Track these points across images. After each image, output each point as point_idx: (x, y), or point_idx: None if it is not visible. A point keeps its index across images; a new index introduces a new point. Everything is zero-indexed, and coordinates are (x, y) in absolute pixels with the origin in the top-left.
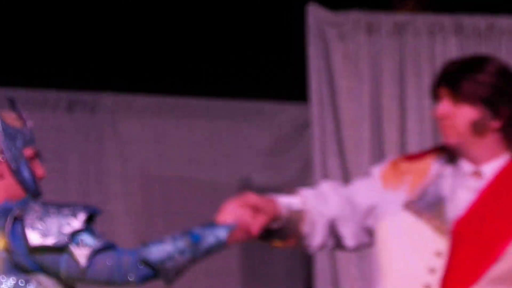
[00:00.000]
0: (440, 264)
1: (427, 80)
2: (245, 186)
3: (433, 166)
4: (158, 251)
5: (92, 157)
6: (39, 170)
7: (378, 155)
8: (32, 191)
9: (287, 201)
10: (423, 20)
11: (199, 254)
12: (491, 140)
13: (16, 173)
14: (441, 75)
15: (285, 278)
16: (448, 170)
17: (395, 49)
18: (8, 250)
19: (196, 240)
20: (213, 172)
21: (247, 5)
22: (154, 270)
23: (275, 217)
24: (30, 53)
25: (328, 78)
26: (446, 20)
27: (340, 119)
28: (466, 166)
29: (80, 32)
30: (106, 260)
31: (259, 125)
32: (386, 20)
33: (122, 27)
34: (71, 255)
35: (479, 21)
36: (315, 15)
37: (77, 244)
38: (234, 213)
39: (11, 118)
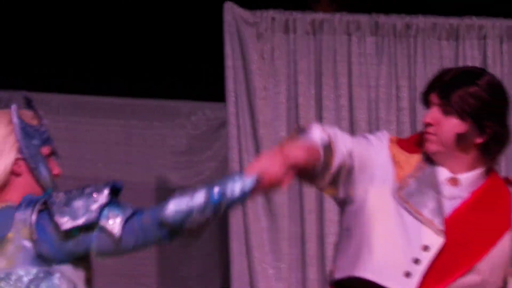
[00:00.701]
0: (426, 256)
1: (343, 80)
2: (161, 185)
3: (417, 158)
4: (177, 212)
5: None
6: (55, 168)
7: None
8: (49, 189)
9: (320, 141)
10: (339, 19)
11: (221, 210)
12: (471, 154)
13: (34, 171)
14: (434, 83)
15: (201, 278)
16: (432, 171)
17: (312, 48)
18: (32, 240)
19: (216, 201)
20: (129, 172)
21: (163, 3)
22: (175, 230)
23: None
24: None
25: (245, 77)
26: (363, 19)
27: (256, 119)
28: (442, 172)
29: None
30: (133, 225)
31: (175, 124)
32: (302, 19)
33: (37, 26)
34: (102, 229)
35: (396, 20)
36: (231, 13)
37: (107, 217)
38: (269, 166)
39: (28, 116)
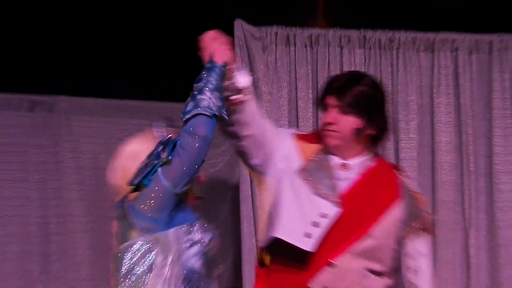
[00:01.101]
0: (324, 222)
1: (317, 84)
2: None
3: (317, 148)
4: (189, 108)
5: (50, 151)
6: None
7: None
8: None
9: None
10: (333, 34)
11: (218, 83)
12: (361, 144)
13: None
14: (329, 88)
15: None
16: (326, 158)
17: (309, 59)
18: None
19: (200, 81)
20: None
21: (184, 20)
22: (201, 119)
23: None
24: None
25: (252, 83)
26: (353, 34)
27: None
28: (335, 159)
29: (41, 42)
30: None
31: None
32: (301, 34)
33: (77, 35)
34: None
35: (381, 35)
36: (241, 29)
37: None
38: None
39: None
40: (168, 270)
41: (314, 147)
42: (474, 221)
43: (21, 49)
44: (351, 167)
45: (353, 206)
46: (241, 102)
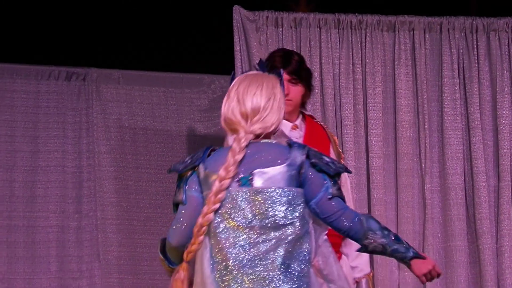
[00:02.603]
0: None
1: (316, 59)
2: (190, 133)
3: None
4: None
5: (83, 113)
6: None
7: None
8: None
9: None
10: (313, 17)
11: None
12: (300, 104)
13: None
14: (290, 68)
15: None
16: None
17: (294, 37)
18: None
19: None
20: (167, 123)
21: (195, 7)
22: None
23: None
24: (42, 37)
25: (248, 57)
26: (329, 17)
27: None
28: (287, 124)
29: (76, 23)
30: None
31: (200, 90)
32: (287, 17)
33: (103, 18)
34: None
35: (352, 18)
36: (238, 13)
37: None
38: None
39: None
40: None
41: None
42: (428, 169)
43: (59, 28)
44: (298, 127)
45: None
46: None
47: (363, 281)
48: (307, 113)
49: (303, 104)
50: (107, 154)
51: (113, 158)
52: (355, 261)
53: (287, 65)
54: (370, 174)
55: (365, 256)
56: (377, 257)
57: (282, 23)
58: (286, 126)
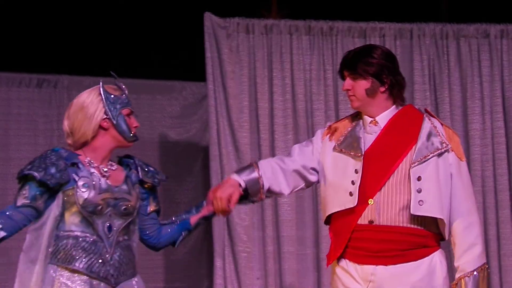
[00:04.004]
0: (357, 177)
1: (287, 66)
2: (162, 139)
3: (350, 123)
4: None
5: (54, 119)
6: (134, 122)
7: (254, 117)
8: (129, 138)
9: (247, 178)
10: (284, 24)
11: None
12: (380, 99)
13: (116, 126)
14: (343, 62)
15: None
16: (359, 123)
17: (265, 44)
18: None
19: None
20: (139, 130)
21: (166, 14)
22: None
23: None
24: (13, 44)
25: (219, 64)
26: (300, 23)
27: (227, 93)
28: (367, 118)
29: (47, 31)
30: None
31: (171, 97)
32: (258, 23)
33: (74, 25)
34: None
35: (323, 24)
36: (209, 20)
37: None
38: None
39: (112, 89)
40: None
41: (347, 122)
42: None
43: (30, 35)
44: (378, 122)
45: (375, 155)
46: (262, 197)
47: (464, 280)
48: (418, 107)
49: (393, 95)
50: None
51: None
52: (457, 261)
53: (343, 60)
54: None
55: (471, 253)
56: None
57: (253, 30)
58: (366, 121)
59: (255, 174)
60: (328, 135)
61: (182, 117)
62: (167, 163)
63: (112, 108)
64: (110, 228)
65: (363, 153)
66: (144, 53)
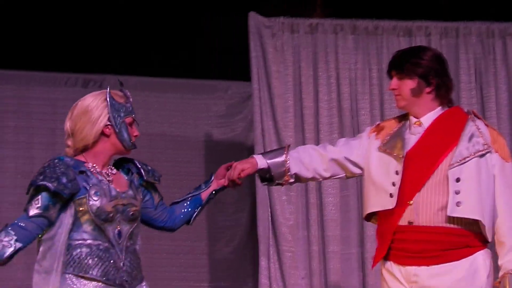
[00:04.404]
0: (398, 178)
1: (332, 65)
2: (207, 138)
3: (396, 124)
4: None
5: None
6: (135, 131)
7: (299, 117)
8: (128, 147)
9: (271, 160)
10: (329, 23)
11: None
12: (426, 100)
13: (118, 134)
14: (391, 62)
15: (236, 202)
16: (405, 124)
17: (310, 43)
18: None
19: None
20: (184, 130)
21: (212, 14)
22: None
23: (255, 171)
24: (59, 44)
25: (264, 63)
26: (345, 22)
27: (272, 92)
28: (412, 119)
29: (93, 32)
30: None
31: (216, 96)
32: (303, 23)
33: (120, 26)
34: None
35: (368, 23)
36: (254, 20)
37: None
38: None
39: (118, 96)
40: None
41: (393, 122)
42: None
43: (76, 35)
44: (423, 123)
45: (415, 157)
46: (289, 180)
47: (507, 277)
48: (466, 109)
49: (440, 96)
50: None
51: None
52: (501, 259)
53: (391, 60)
54: None
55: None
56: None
57: (298, 29)
58: (411, 122)
59: (281, 158)
60: (375, 133)
61: (227, 116)
62: (212, 162)
63: (116, 115)
64: (120, 234)
65: (404, 154)
66: (190, 53)
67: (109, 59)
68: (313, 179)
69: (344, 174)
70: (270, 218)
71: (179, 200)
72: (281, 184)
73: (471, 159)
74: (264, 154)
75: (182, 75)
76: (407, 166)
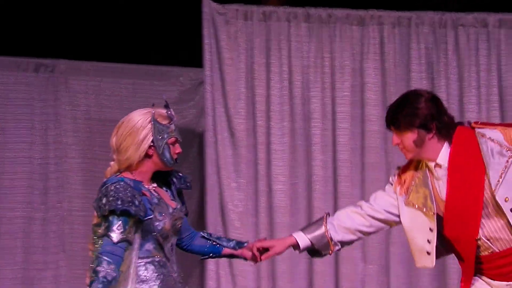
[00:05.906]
0: (433, 235)
1: (285, 53)
2: None
3: (416, 171)
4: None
5: (51, 104)
6: (177, 149)
7: (250, 104)
8: (170, 166)
9: (312, 235)
10: (282, 11)
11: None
12: (431, 144)
13: (160, 155)
14: (386, 117)
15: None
16: (424, 169)
17: (263, 31)
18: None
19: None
20: None
21: (168, 1)
22: None
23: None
24: (10, 28)
25: (217, 50)
26: (298, 11)
27: (224, 79)
28: (429, 163)
29: (44, 15)
30: None
31: (169, 83)
32: (256, 10)
33: (72, 10)
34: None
35: (321, 12)
36: (208, 6)
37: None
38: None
39: (162, 117)
40: None
41: (412, 170)
42: (395, 163)
43: (28, 19)
44: (441, 163)
45: (455, 201)
46: (334, 249)
47: None
48: (466, 122)
49: (441, 133)
50: (75, 146)
51: (81, 150)
52: None
53: (386, 116)
54: (337, 168)
55: None
56: (341, 252)
57: (251, 17)
58: (430, 167)
59: (321, 230)
60: (399, 187)
61: (179, 103)
62: None
63: (159, 137)
64: (172, 247)
65: (435, 211)
66: (142, 39)
67: (61, 44)
68: (359, 239)
69: (388, 226)
70: (219, 205)
71: (207, 235)
72: (329, 254)
73: (506, 171)
74: (304, 229)
75: (135, 60)
76: (452, 211)
